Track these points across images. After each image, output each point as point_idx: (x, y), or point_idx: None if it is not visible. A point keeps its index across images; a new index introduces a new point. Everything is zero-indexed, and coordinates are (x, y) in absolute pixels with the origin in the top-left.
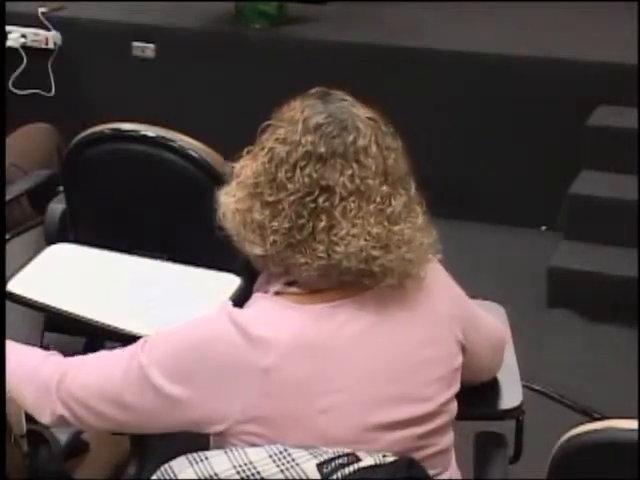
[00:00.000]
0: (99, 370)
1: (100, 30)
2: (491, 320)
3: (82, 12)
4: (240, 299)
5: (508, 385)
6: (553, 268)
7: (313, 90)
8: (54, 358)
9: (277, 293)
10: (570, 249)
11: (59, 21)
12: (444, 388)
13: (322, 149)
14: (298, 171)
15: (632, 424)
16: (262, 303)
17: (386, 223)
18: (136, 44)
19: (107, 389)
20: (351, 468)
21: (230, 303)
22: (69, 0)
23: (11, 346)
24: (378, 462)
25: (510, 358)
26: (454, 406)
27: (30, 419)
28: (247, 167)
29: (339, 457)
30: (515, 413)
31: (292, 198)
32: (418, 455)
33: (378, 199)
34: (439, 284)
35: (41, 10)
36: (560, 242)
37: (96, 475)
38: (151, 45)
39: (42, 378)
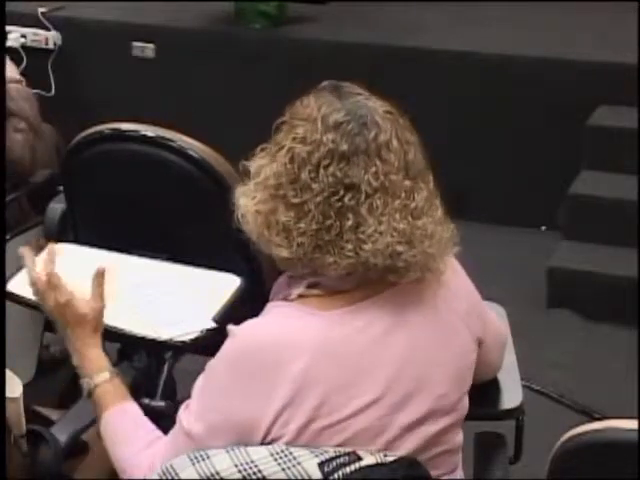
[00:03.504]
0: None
1: (100, 30)
2: (494, 315)
3: (82, 12)
4: (240, 299)
5: (508, 385)
6: (553, 268)
7: (324, 84)
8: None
9: (300, 296)
10: (570, 249)
11: (59, 21)
12: (457, 385)
13: (344, 147)
14: (322, 171)
15: (632, 424)
16: (278, 312)
17: (410, 218)
18: (136, 44)
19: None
20: (352, 467)
21: (234, 327)
22: (69, 0)
23: (135, 420)
24: (379, 461)
25: (510, 358)
26: (465, 404)
27: (30, 419)
28: (265, 167)
29: (340, 456)
30: (515, 413)
31: (318, 199)
32: (428, 454)
33: (402, 194)
34: (457, 280)
35: (41, 10)
36: (560, 242)
37: (96, 476)
38: (151, 45)
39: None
